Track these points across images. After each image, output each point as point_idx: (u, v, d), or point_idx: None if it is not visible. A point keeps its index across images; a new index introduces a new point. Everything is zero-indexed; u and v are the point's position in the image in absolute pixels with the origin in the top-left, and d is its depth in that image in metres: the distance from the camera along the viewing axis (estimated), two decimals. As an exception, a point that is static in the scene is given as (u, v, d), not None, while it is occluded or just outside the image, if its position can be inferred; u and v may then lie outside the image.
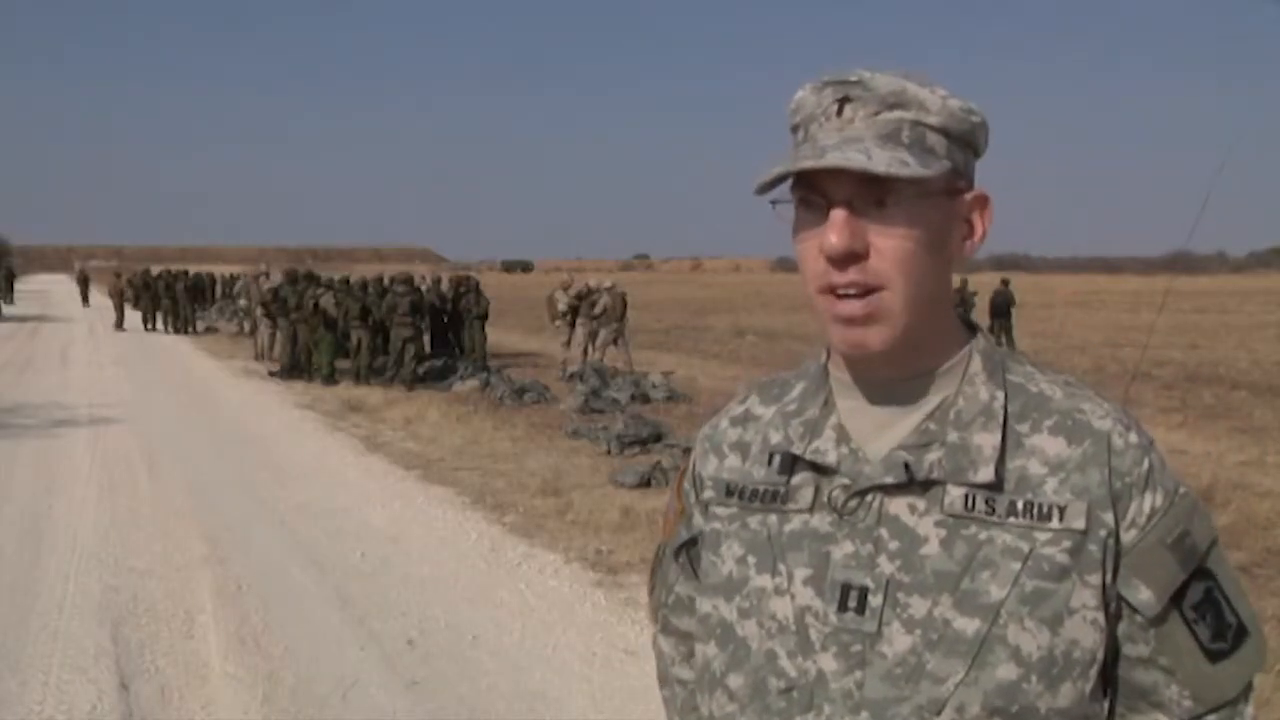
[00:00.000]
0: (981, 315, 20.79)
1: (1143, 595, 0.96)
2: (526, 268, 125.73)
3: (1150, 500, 0.98)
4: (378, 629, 4.68)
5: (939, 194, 0.98)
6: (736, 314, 32.96)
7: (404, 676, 4.17)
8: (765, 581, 1.02)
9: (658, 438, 9.54)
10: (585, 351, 15.76)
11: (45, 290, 49.74)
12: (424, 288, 17.28)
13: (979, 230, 1.03)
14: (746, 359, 18.47)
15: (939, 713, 0.94)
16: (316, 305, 15.04)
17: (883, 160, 0.93)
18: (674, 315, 31.94)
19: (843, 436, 1.03)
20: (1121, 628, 0.98)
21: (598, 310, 15.88)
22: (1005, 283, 21.06)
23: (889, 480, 0.99)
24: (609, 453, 9.14)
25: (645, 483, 7.62)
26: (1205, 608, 0.98)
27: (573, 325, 16.21)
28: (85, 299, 37.19)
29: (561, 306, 16.24)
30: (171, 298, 24.64)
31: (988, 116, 1.02)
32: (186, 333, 23.98)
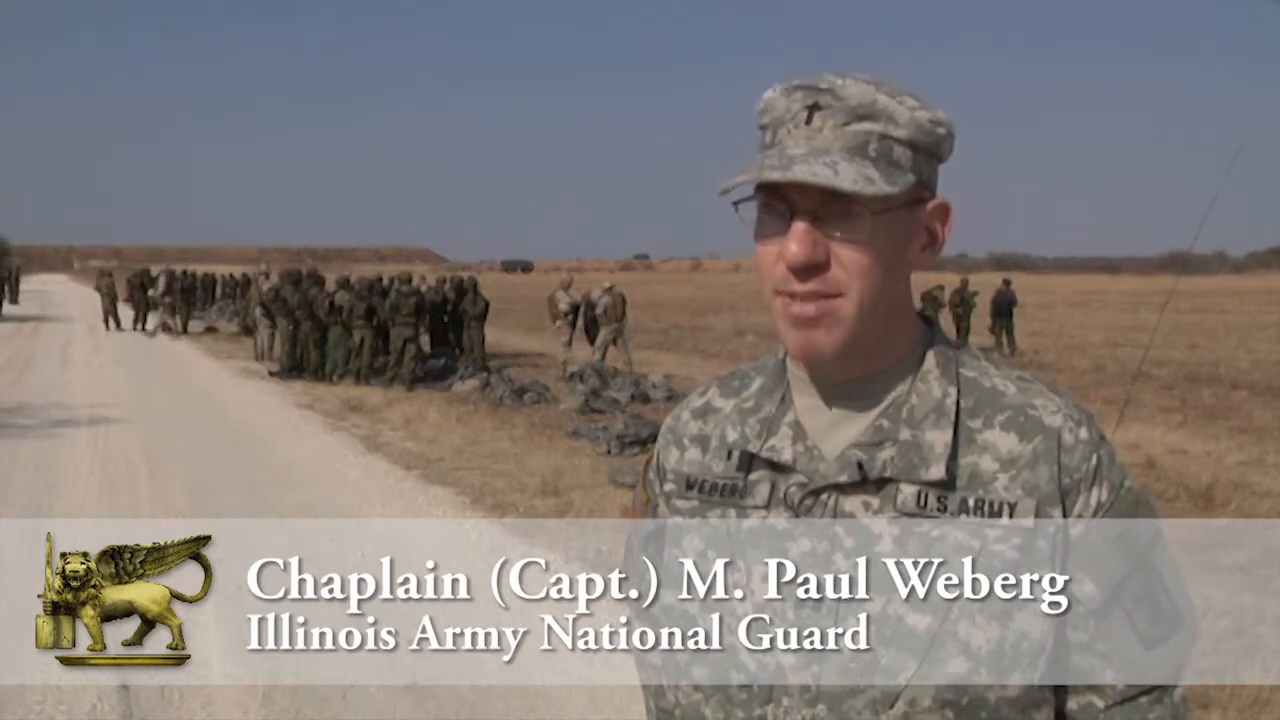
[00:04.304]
0: (983, 315, 20.80)
1: (1086, 588, 0.99)
2: (526, 268, 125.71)
3: (1096, 495, 1.00)
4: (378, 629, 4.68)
5: (902, 206, 0.99)
6: (736, 314, 32.94)
7: (404, 676, 4.17)
8: (727, 576, 1.04)
9: (657, 438, 9.54)
10: (603, 354, 15.78)
11: (45, 290, 49.75)
12: (423, 288, 17.30)
13: (939, 238, 1.05)
14: (746, 359, 18.21)
15: (892, 705, 0.97)
16: (332, 303, 15.03)
17: (849, 176, 0.94)
18: (674, 315, 31.95)
19: (799, 434, 1.05)
20: (1065, 615, 1.00)
21: (598, 310, 15.90)
22: (1007, 282, 21.06)
23: (843, 479, 1.01)
24: (609, 453, 9.14)
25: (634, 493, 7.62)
26: (1144, 598, 1.00)
27: (573, 325, 16.22)
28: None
29: (563, 306, 16.24)
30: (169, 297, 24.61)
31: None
32: (185, 332, 23.94)
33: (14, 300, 34.93)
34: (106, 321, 25.04)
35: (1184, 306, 33.56)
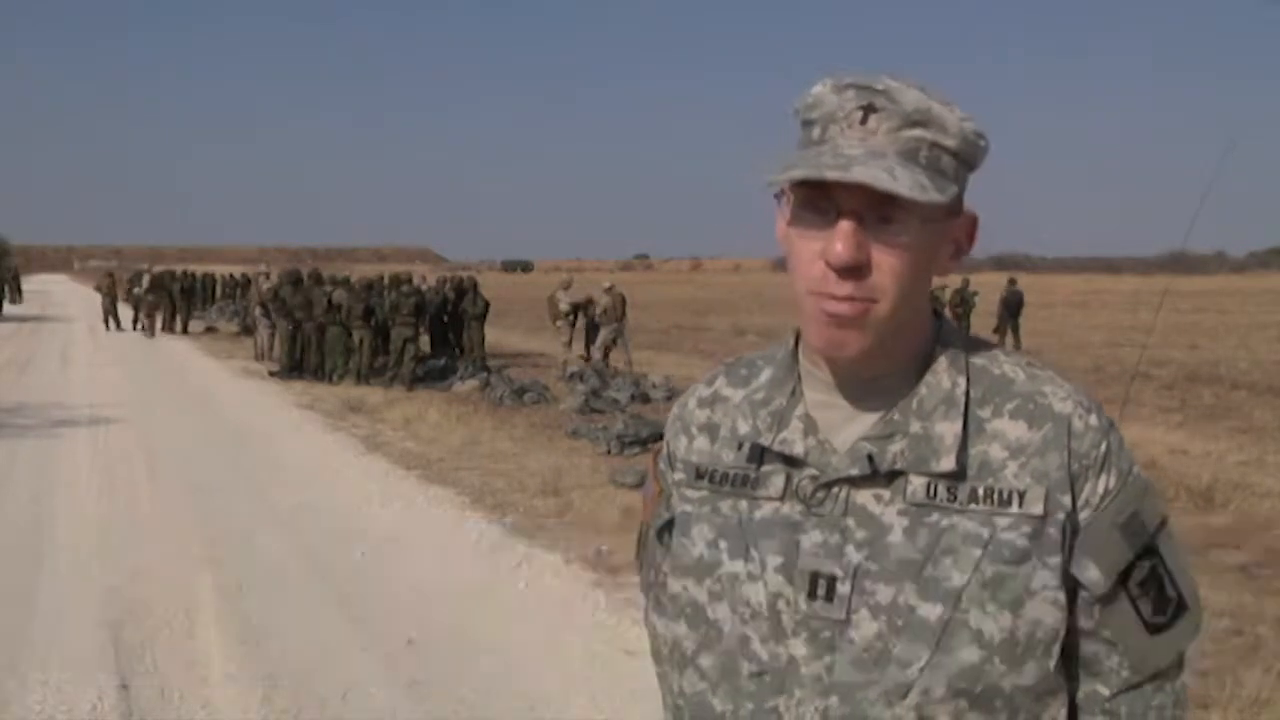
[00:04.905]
0: (983, 315, 20.78)
1: (1091, 574, 0.99)
2: (526, 268, 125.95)
3: (1104, 481, 1.01)
4: (378, 629, 4.68)
5: (941, 216, 1.00)
6: (736, 314, 32.95)
7: (404, 676, 4.17)
8: (738, 567, 1.04)
9: (658, 438, 9.50)
10: (603, 354, 15.78)
11: (45, 290, 49.75)
12: (424, 288, 17.29)
13: (964, 249, 1.06)
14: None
15: (905, 696, 0.97)
16: (330, 302, 15.01)
17: (906, 182, 0.93)
18: (674, 315, 31.93)
19: (810, 427, 1.05)
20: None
21: (598, 310, 15.91)
22: (1013, 281, 21.06)
23: (854, 472, 1.01)
24: (609, 453, 9.14)
25: (645, 483, 7.61)
26: (1149, 584, 1.01)
27: (574, 325, 16.22)
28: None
29: (563, 306, 16.24)
30: (169, 297, 24.57)
31: (986, 116, 1.02)
32: (186, 332, 23.93)
33: (14, 300, 34.91)
34: (106, 321, 25.03)
35: (1184, 306, 33.54)
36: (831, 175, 0.94)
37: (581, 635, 4.56)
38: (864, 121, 0.97)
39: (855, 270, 0.96)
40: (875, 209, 0.96)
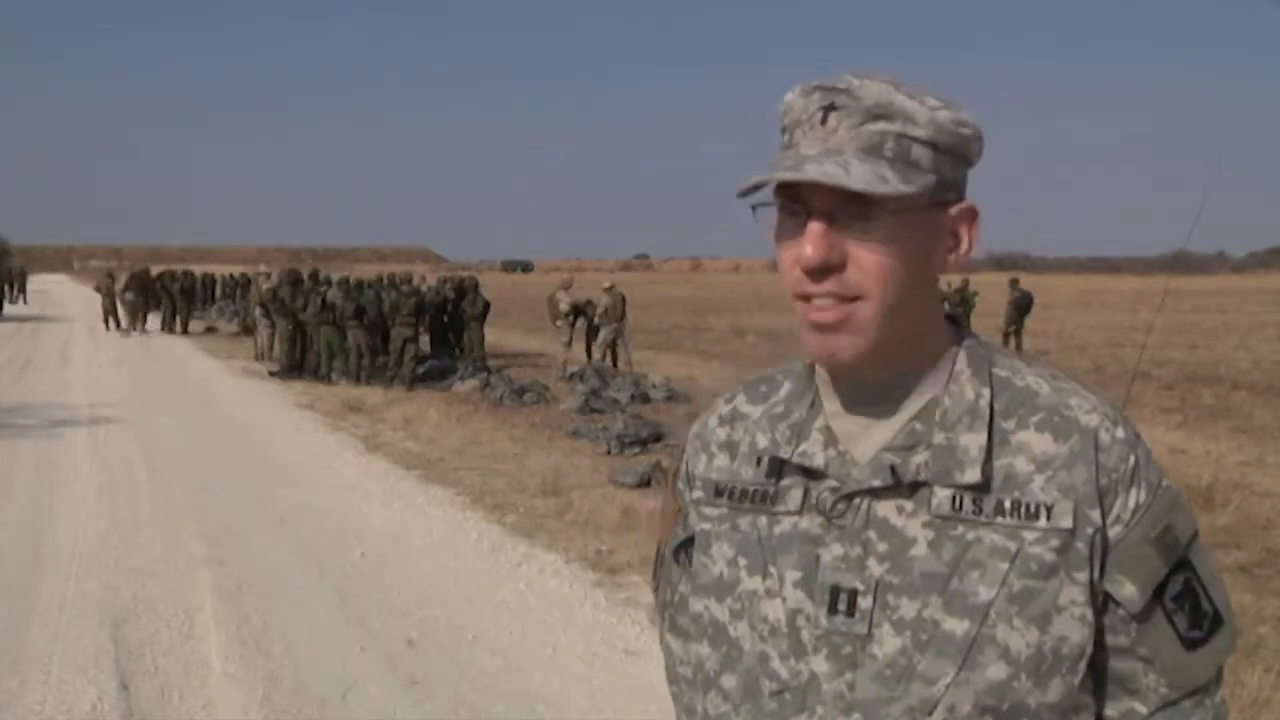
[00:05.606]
0: (983, 315, 20.77)
1: (1127, 590, 0.97)
2: (526, 268, 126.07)
3: (1135, 496, 0.98)
4: (378, 629, 4.68)
5: (923, 207, 0.97)
6: (737, 314, 32.93)
7: (404, 676, 4.17)
8: (756, 584, 1.03)
9: (658, 438, 9.54)
10: (603, 354, 15.78)
11: (45, 290, 49.76)
12: (424, 288, 17.29)
13: (965, 243, 1.02)
14: (747, 359, 18.43)
15: (930, 713, 0.95)
16: (324, 301, 15.00)
17: (861, 176, 0.92)
18: (674, 315, 31.92)
19: (830, 439, 1.04)
20: (1104, 619, 0.99)
21: (599, 310, 15.91)
22: (1016, 281, 21.02)
23: (876, 483, 0.99)
24: (609, 453, 9.14)
25: (645, 483, 7.61)
26: (1184, 599, 0.99)
27: (574, 325, 16.21)
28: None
29: (564, 307, 16.24)
30: (169, 297, 24.57)
31: (987, 116, 1.01)
32: (186, 332, 23.93)
33: (15, 300, 34.89)
34: (106, 321, 25.01)
35: (1184, 306, 33.53)
36: (784, 176, 0.94)
37: (581, 635, 4.57)
38: (825, 121, 0.97)
39: (829, 269, 0.95)
40: (845, 207, 0.95)
